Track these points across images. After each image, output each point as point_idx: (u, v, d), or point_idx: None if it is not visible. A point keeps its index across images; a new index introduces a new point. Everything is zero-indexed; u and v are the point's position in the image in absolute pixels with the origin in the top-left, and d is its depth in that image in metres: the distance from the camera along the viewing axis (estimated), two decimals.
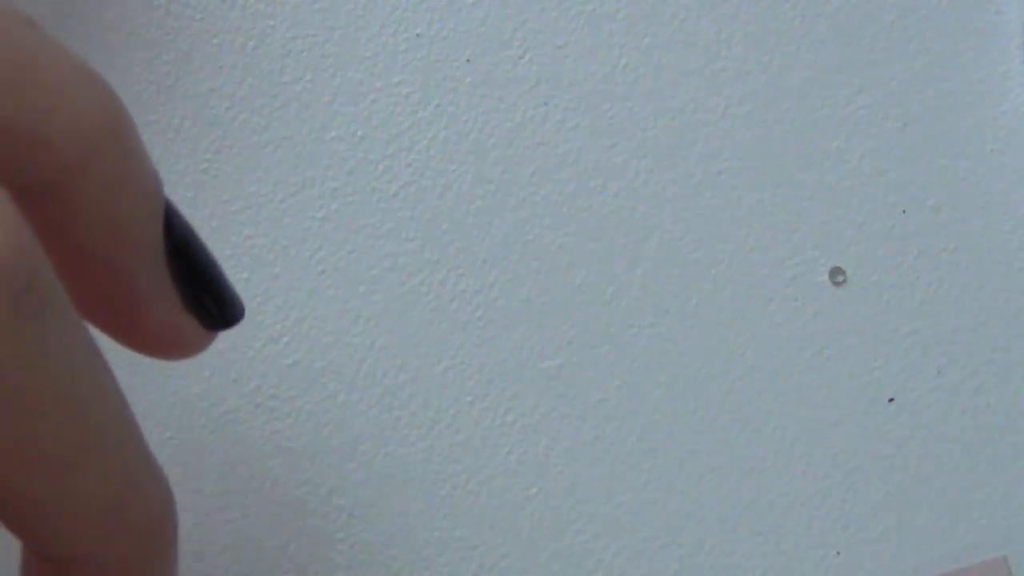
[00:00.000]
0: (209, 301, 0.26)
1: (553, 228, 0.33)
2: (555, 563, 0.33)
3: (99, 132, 0.23)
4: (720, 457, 0.33)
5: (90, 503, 0.23)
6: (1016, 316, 0.34)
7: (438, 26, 0.33)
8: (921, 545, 0.33)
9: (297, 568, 0.32)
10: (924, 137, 0.34)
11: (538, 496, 0.33)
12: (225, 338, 0.31)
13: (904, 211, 0.34)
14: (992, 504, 0.34)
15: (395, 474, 0.32)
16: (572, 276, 0.33)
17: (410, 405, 0.32)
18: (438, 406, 0.32)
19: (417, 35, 0.33)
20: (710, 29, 0.33)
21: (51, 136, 0.22)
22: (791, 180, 0.34)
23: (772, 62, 0.34)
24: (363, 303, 0.33)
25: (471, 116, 0.33)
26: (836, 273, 0.34)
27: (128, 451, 0.23)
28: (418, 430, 0.33)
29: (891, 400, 0.34)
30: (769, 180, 0.34)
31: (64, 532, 0.23)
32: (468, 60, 0.33)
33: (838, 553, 0.33)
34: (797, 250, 0.34)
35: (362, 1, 0.33)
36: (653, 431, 0.33)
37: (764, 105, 0.34)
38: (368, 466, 0.32)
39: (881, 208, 0.34)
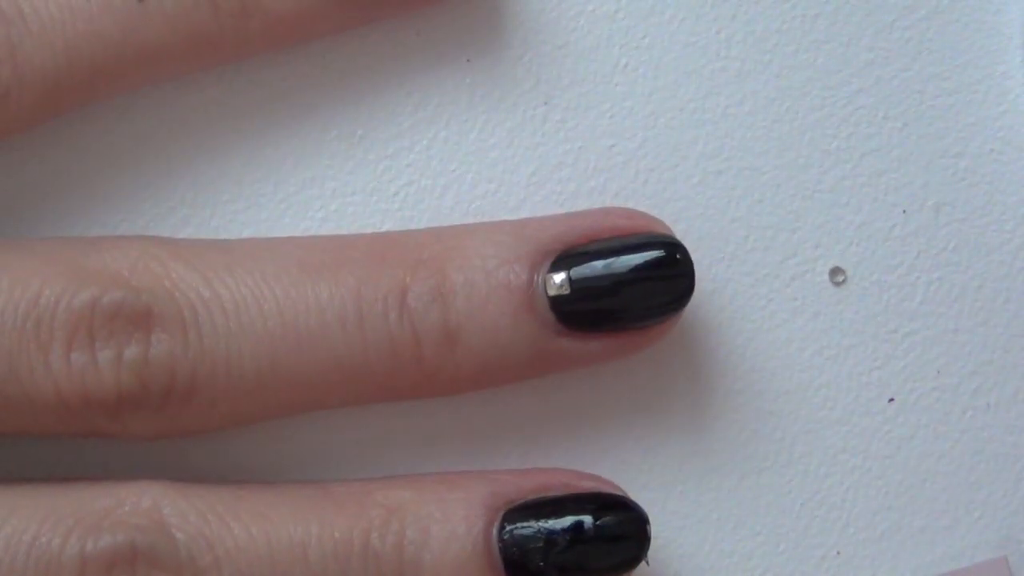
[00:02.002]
0: None
1: None
2: None
3: None
4: (720, 457, 0.33)
5: None
6: (1016, 316, 0.34)
7: (438, 25, 0.33)
8: (921, 545, 0.33)
9: None
10: (924, 137, 0.34)
11: None
12: None
13: (904, 211, 0.34)
14: (992, 504, 0.34)
15: (403, 469, 0.32)
16: None
17: (411, 405, 0.32)
18: (439, 406, 0.32)
19: (417, 34, 0.33)
20: (710, 29, 0.33)
21: None
22: (791, 180, 0.34)
23: (772, 62, 0.34)
24: None
25: (471, 116, 0.33)
26: (836, 273, 0.34)
27: None
28: (419, 430, 0.33)
29: (891, 400, 0.34)
30: (769, 180, 0.34)
31: None
32: (468, 60, 0.33)
33: (838, 553, 0.33)
34: (797, 250, 0.34)
35: None
36: (652, 431, 0.33)
37: (764, 105, 0.34)
38: (366, 467, 0.32)
39: (881, 208, 0.34)
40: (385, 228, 0.33)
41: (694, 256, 0.31)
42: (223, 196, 0.32)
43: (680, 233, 0.33)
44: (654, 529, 0.31)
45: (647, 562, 0.30)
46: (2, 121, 0.29)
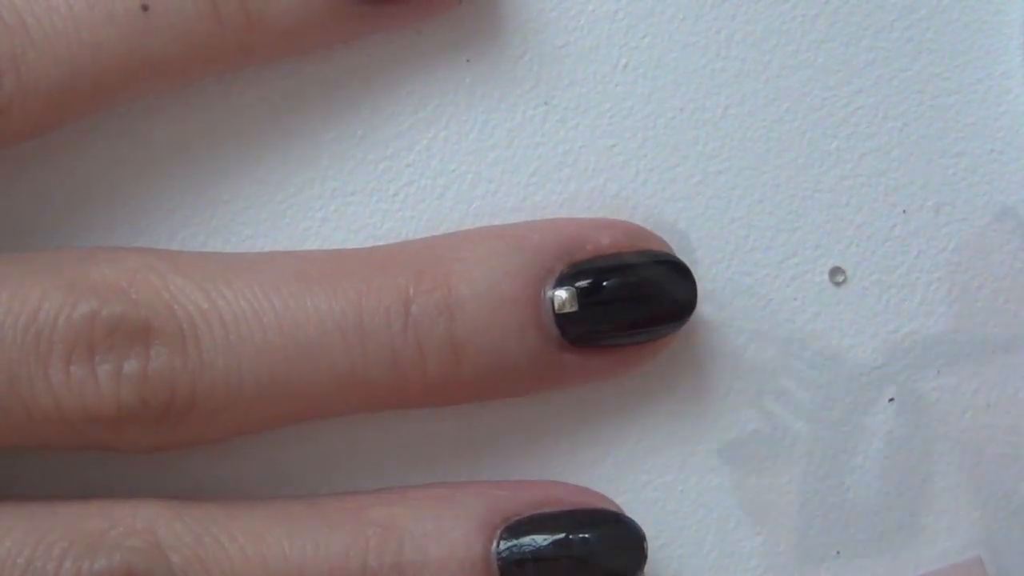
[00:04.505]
0: None
1: None
2: None
3: None
4: (721, 456, 0.33)
5: None
6: (1016, 316, 0.34)
7: (438, 25, 0.33)
8: (921, 545, 0.33)
9: None
10: (924, 137, 0.34)
11: None
12: None
13: (904, 211, 0.34)
14: (992, 504, 0.34)
15: (400, 474, 0.32)
16: None
17: (408, 410, 0.32)
18: (436, 409, 0.32)
19: (417, 34, 0.33)
20: (710, 29, 0.33)
21: None
22: (791, 180, 0.34)
23: (772, 62, 0.34)
24: None
25: (471, 116, 0.33)
26: (836, 273, 0.34)
27: None
28: (416, 431, 0.33)
29: (891, 400, 0.34)
30: (769, 180, 0.34)
31: None
32: (468, 60, 0.33)
33: (838, 553, 0.33)
34: (797, 250, 0.34)
35: None
36: (653, 430, 0.33)
37: (764, 105, 0.34)
38: (364, 473, 0.32)
39: (881, 208, 0.34)
40: (385, 228, 0.33)
41: (694, 255, 0.31)
42: (223, 196, 0.32)
43: (680, 233, 0.33)
44: (654, 530, 0.31)
45: None
46: (5, 131, 0.29)
